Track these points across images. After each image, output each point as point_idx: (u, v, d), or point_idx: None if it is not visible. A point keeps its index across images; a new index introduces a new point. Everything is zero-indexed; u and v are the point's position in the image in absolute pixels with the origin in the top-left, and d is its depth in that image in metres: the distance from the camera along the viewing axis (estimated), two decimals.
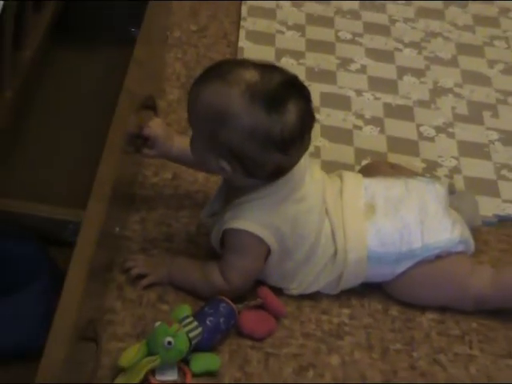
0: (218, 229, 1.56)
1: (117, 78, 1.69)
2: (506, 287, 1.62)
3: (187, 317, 1.48)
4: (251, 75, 1.46)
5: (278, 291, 1.61)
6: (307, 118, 1.49)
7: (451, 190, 1.71)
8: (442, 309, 1.64)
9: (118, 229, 1.55)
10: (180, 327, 1.45)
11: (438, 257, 1.61)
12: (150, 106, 1.68)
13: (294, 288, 1.61)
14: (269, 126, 1.44)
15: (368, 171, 1.76)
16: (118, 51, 1.93)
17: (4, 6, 1.29)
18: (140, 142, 1.63)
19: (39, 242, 1.50)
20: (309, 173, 1.59)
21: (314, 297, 1.63)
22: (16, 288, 1.42)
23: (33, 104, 1.81)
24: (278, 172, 1.51)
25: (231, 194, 1.57)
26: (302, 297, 1.62)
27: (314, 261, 1.58)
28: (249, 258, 1.55)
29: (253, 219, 1.52)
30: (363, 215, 1.60)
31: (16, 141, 1.75)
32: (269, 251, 1.55)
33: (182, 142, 1.64)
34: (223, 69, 1.50)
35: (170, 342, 1.42)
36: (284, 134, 1.45)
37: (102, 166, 1.42)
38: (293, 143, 1.47)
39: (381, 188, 1.64)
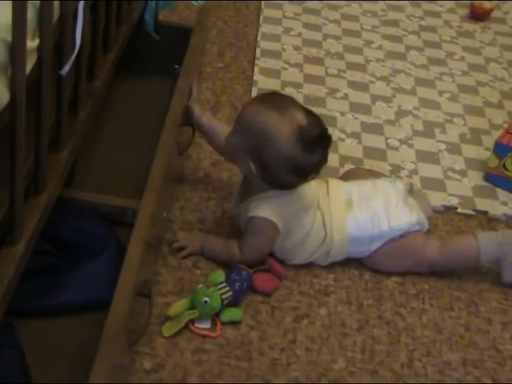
0: (246, 216, 1.56)
1: (162, 101, 1.73)
2: (448, 254, 1.62)
3: (222, 282, 1.47)
4: (301, 118, 1.48)
5: (281, 261, 1.60)
6: (323, 162, 1.52)
7: (411, 190, 1.71)
8: (403, 274, 1.64)
9: (165, 214, 1.54)
10: (215, 290, 1.45)
11: (401, 236, 1.60)
12: (189, 123, 1.68)
13: (292, 260, 1.61)
14: (299, 159, 1.47)
15: (349, 175, 1.77)
16: (161, 82, 1.99)
17: (79, 48, 1.28)
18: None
19: (108, 224, 1.51)
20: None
21: (308, 265, 1.62)
22: (92, 257, 1.43)
23: (100, 122, 1.83)
24: (284, 186, 1.53)
25: (247, 191, 1.58)
26: (299, 265, 1.61)
27: (309, 243, 1.58)
28: (262, 239, 1.55)
29: (271, 210, 1.53)
30: (344, 209, 1.60)
31: (91, 147, 1.76)
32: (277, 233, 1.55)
33: (211, 116, 1.70)
34: (280, 103, 1.51)
35: (206, 301, 1.42)
36: (305, 168, 1.50)
37: (154, 166, 1.42)
38: (307, 175, 1.52)
39: (355, 188, 1.64)
